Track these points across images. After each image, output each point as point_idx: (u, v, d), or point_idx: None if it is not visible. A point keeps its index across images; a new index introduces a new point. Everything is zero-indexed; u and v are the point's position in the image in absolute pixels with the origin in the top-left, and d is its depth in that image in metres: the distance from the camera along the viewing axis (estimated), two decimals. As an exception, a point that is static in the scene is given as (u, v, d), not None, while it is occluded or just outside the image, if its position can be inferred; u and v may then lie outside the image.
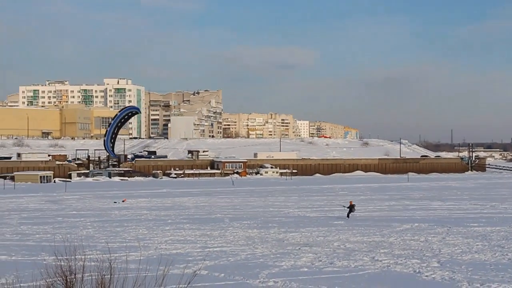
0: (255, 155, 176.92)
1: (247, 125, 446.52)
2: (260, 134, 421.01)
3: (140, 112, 71.41)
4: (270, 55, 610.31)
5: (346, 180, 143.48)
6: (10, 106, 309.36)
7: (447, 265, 31.14)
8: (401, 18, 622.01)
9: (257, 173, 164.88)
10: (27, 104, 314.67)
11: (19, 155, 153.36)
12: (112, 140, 56.88)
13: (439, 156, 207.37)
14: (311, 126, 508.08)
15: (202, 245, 39.29)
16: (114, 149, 56.35)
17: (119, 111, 56.61)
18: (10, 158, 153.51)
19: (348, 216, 55.76)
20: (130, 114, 59.26)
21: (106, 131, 58.12)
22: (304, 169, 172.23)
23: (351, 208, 56.37)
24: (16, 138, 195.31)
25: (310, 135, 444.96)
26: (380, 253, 35.31)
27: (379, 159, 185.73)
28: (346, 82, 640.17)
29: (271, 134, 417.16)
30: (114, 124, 58.31)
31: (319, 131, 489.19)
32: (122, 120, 58.41)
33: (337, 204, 68.05)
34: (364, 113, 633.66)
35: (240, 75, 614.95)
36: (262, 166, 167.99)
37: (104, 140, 58.56)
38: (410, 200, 78.83)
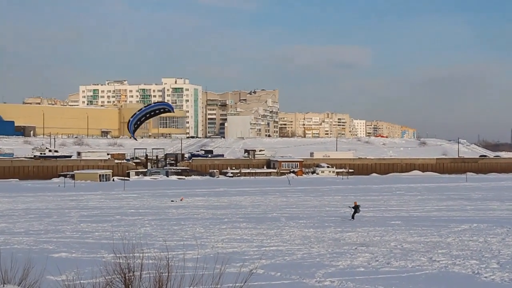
0: (311, 154, 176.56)
1: (304, 125, 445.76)
2: (317, 133, 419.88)
3: (173, 111, 71.34)
4: (326, 54, 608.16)
5: (403, 179, 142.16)
6: (70, 105, 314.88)
7: (507, 266, 30.64)
8: (462, 15, 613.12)
9: (313, 172, 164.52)
10: (87, 104, 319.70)
11: (79, 153, 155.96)
12: (136, 126, 56.79)
13: (498, 156, 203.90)
14: (367, 125, 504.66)
15: (259, 244, 39.40)
16: (135, 134, 56.65)
17: (154, 103, 56.93)
18: (70, 156, 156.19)
19: (353, 217, 54.46)
20: (163, 109, 59.11)
21: (135, 113, 58.04)
22: (360, 168, 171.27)
23: (356, 209, 54.83)
24: (76, 137, 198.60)
25: (367, 134, 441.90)
26: (438, 253, 34.93)
27: (436, 158, 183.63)
28: (404, 81, 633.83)
29: (327, 134, 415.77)
30: (145, 110, 58.18)
31: (376, 130, 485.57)
32: (152, 113, 58.26)
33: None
34: (422, 112, 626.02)
35: (296, 74, 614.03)
36: (318, 166, 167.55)
37: (130, 121, 58.56)
38: (468, 201, 77.75)
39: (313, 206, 69.45)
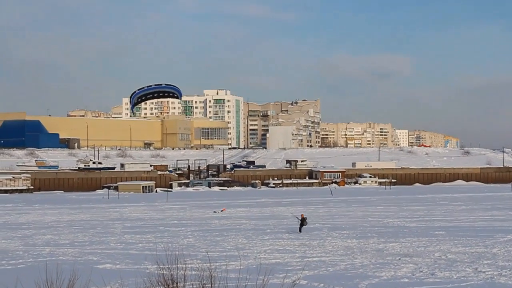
0: (354, 164, 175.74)
1: (345, 135, 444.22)
2: (358, 143, 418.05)
3: (180, 98, 69.70)
4: (368, 63, 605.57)
5: (446, 189, 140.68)
6: (114, 117, 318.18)
7: (554, 277, 30.14)
8: (501, 23, 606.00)
9: (355, 182, 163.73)
10: (130, 116, 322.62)
11: (122, 165, 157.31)
12: (139, 100, 55.35)
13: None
14: (410, 135, 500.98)
15: (301, 254, 39.32)
16: (134, 108, 54.70)
17: (165, 84, 54.28)
18: (114, 168, 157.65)
19: (300, 230, 53.13)
20: (172, 94, 57.28)
21: (142, 88, 56.77)
22: (403, 178, 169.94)
23: (303, 221, 53.41)
24: (119, 149, 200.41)
25: (409, 144, 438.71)
26: (483, 264, 34.49)
27: (481, 168, 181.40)
28: (446, 90, 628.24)
29: (369, 143, 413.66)
30: (154, 89, 56.63)
31: (419, 140, 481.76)
32: (161, 94, 56.26)
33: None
34: (465, 121, 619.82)
35: (338, 84, 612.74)
36: (360, 176, 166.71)
37: (134, 92, 57.02)
38: (514, 210, 76.62)
39: (355, 217, 69.10)
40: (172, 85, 59.62)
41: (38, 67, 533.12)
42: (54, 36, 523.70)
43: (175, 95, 60.04)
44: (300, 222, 53.54)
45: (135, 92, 59.00)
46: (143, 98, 59.41)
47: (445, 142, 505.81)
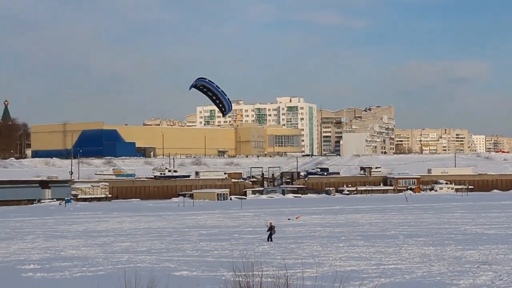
0: (429, 171, 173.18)
1: (420, 141, 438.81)
2: (434, 149, 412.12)
3: (224, 116, 68.72)
4: (443, 69, 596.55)
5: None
6: (188, 126, 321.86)
7: None
8: None
9: (431, 189, 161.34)
10: (204, 124, 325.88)
11: (197, 173, 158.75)
12: (200, 87, 54.97)
13: None
14: (487, 140, 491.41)
15: (377, 262, 39.06)
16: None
17: (223, 93, 53.08)
18: (189, 176, 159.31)
19: (269, 239, 51.91)
20: (221, 105, 56.64)
21: (211, 83, 56.25)
22: (480, 184, 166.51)
23: (271, 229, 52.13)
24: (194, 157, 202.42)
25: (487, 150, 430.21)
26: None
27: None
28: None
29: (445, 150, 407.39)
30: (216, 90, 56.08)
31: (496, 145, 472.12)
32: (214, 97, 55.65)
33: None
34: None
35: (412, 90, 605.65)
36: (436, 182, 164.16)
37: (201, 78, 56.59)
38: None
39: (432, 223, 68.16)
40: (227, 99, 59.92)
41: (115, 78, 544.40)
42: (131, 49, 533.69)
43: (223, 109, 60.25)
44: (269, 231, 52.41)
45: (204, 79, 59.08)
46: (203, 88, 59.49)
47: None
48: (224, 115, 66.10)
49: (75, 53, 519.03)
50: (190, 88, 58.87)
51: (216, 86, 58.48)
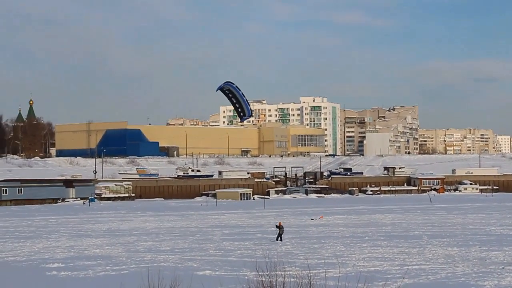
0: (453, 171, 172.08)
1: (444, 141, 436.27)
2: (458, 149, 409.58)
3: (242, 121, 69.43)
4: (467, 69, 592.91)
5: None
6: (211, 125, 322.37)
7: None
8: None
9: (455, 189, 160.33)
10: (227, 124, 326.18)
11: (220, 173, 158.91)
12: (225, 91, 55.35)
13: None
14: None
15: (400, 262, 38.87)
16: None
17: (245, 98, 52.69)
18: (212, 176, 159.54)
19: (277, 238, 52.18)
20: (241, 110, 56.64)
21: (237, 89, 56.21)
22: (506, 185, 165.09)
23: (279, 229, 52.57)
24: (217, 157, 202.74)
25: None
26: None
27: None
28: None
29: (469, 150, 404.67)
30: (239, 94, 56.32)
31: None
32: (235, 101, 55.73)
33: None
34: None
35: (436, 90, 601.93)
36: (460, 183, 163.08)
37: (230, 83, 56.98)
38: None
39: (456, 224, 67.71)
40: (250, 109, 60.36)
41: (139, 77, 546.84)
42: (154, 48, 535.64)
43: (241, 113, 60.68)
44: (278, 230, 52.82)
45: (232, 84, 59.89)
46: (229, 93, 60.06)
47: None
48: (242, 120, 66.42)
49: (100, 53, 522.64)
50: (217, 90, 59.42)
51: (242, 93, 59.02)
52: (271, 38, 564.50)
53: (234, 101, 60.04)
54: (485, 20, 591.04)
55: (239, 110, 60.52)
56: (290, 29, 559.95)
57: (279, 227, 53.06)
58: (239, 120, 68.81)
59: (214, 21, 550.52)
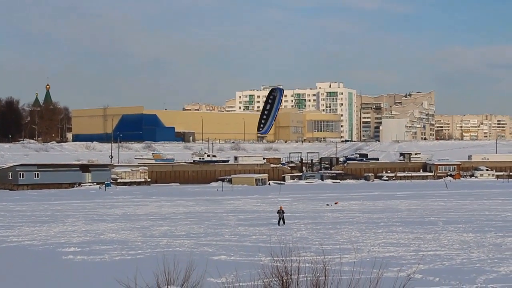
0: (469, 157, 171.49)
1: (461, 127, 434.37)
2: (475, 135, 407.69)
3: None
4: (484, 55, 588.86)
5: None
6: (227, 111, 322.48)
7: None
8: None
9: (471, 175, 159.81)
10: (243, 109, 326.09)
11: (236, 158, 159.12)
12: (265, 117, 56.17)
13: None
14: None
15: (416, 248, 38.86)
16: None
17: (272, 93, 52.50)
18: (227, 161, 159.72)
19: (279, 223, 52.99)
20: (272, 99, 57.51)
21: (274, 116, 56.48)
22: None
23: (279, 213, 53.40)
24: (233, 142, 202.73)
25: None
26: None
27: None
28: None
29: (486, 136, 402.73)
30: (275, 113, 57.09)
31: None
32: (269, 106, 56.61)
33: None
34: None
35: (453, 76, 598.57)
36: (477, 169, 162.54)
37: (274, 116, 57.67)
38: None
39: (472, 210, 67.53)
40: (272, 123, 60.99)
41: (155, 62, 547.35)
42: (170, 33, 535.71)
43: (261, 125, 61.12)
44: (278, 215, 53.50)
45: (282, 92, 60.42)
46: (273, 98, 60.77)
47: None
48: (258, 131, 66.95)
49: (116, 38, 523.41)
50: (269, 88, 60.11)
51: (278, 107, 59.54)
52: (289, 24, 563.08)
53: (268, 108, 60.62)
54: (502, 6, 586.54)
55: (264, 119, 61.02)
56: (308, 15, 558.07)
57: (280, 211, 53.58)
58: (257, 129, 69.52)
59: (233, 6, 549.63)
